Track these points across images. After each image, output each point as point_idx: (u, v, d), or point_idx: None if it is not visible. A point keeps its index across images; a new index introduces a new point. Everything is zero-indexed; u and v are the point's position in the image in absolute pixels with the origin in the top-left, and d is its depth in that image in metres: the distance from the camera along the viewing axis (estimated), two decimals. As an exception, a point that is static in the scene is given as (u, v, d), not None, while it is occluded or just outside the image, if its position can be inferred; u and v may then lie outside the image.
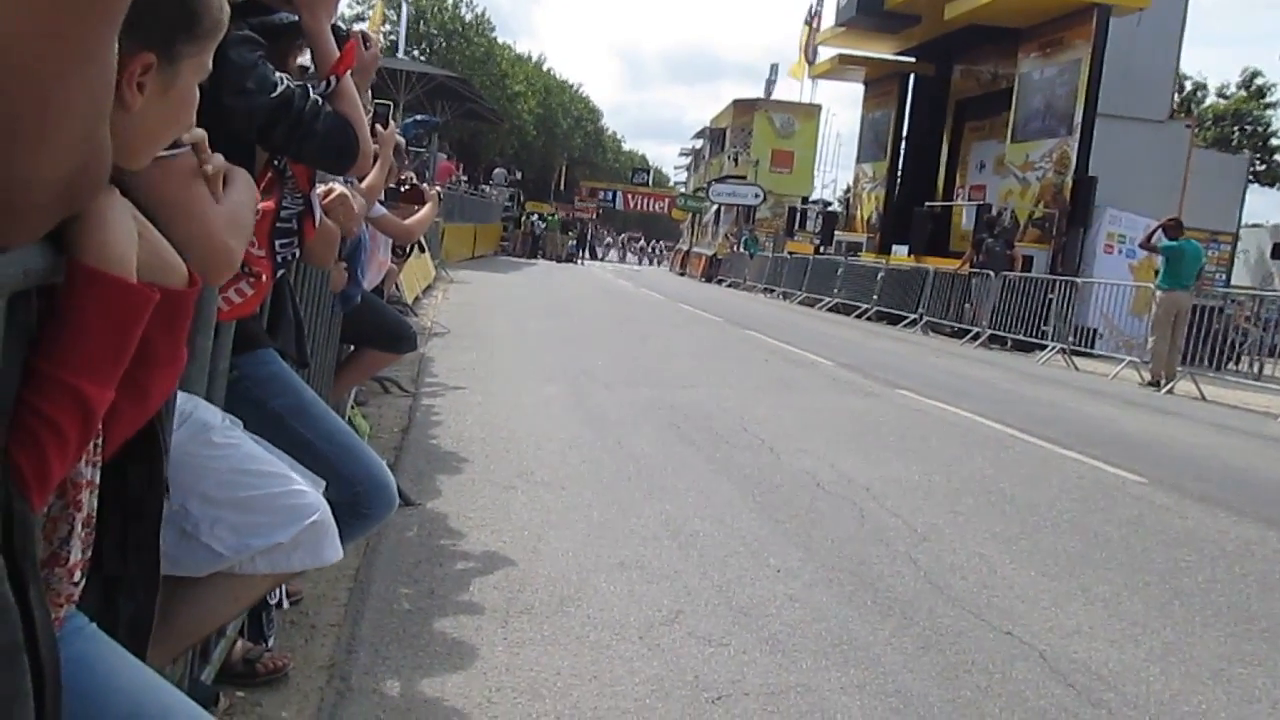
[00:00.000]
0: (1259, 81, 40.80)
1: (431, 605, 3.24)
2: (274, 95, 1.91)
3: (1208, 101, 42.02)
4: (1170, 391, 11.94)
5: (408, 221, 4.77)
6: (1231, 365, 13.60)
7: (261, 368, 2.15)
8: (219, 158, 1.37)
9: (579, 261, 41.87)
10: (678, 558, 3.95)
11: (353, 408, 5.24)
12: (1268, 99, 40.79)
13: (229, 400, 1.92)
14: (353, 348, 4.53)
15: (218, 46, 1.55)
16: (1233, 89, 41.98)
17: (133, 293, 1.01)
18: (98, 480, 1.13)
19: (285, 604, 2.99)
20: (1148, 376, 12.62)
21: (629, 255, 53.38)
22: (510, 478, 4.94)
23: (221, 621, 2.07)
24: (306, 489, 1.89)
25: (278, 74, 1.95)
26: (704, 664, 2.97)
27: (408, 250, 6.54)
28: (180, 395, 1.78)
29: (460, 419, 6.22)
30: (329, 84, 2.10)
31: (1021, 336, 15.65)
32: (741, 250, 33.76)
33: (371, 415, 5.95)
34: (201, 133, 1.30)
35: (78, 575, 1.13)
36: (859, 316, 20.60)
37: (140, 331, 1.02)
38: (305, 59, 2.30)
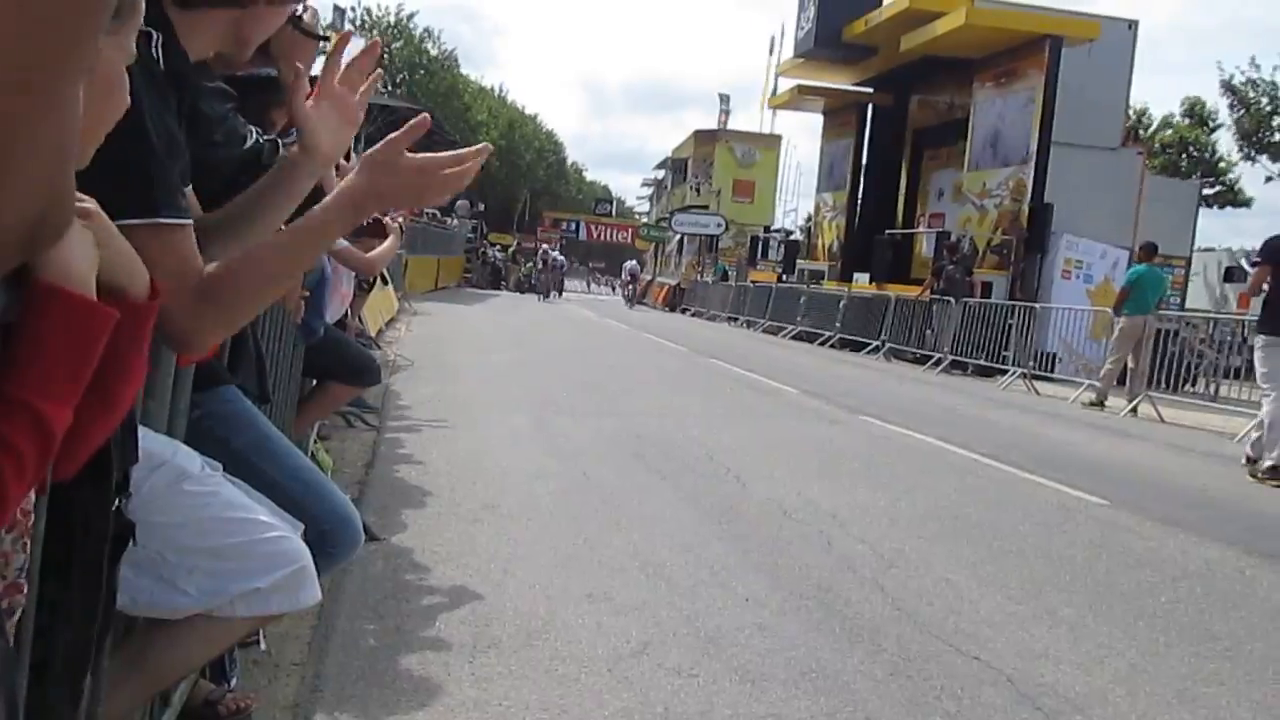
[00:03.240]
0: (1201, 109, 41.81)
1: (397, 641, 3.20)
2: (243, 149, 1.90)
3: (1153, 128, 42.96)
4: (1133, 413, 12.11)
5: (370, 254, 4.75)
6: (1188, 387, 13.82)
7: (224, 405, 2.13)
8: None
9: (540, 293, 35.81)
10: (645, 588, 3.93)
11: (316, 442, 5.19)
12: (1212, 124, 41.79)
13: (192, 440, 1.90)
14: (316, 382, 4.50)
15: (189, 98, 1.55)
16: (1177, 117, 42.99)
17: (93, 310, 0.99)
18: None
19: (262, 644, 2.95)
20: (1093, 396, 12.80)
21: (593, 285, 52.62)
22: (476, 510, 4.90)
23: (198, 664, 2.04)
24: (287, 534, 1.87)
25: (248, 127, 1.94)
26: (673, 695, 2.96)
27: (370, 283, 6.51)
28: (160, 439, 1.76)
29: (425, 452, 6.18)
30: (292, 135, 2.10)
31: (982, 362, 15.82)
32: (707, 278, 34.04)
33: (335, 449, 5.89)
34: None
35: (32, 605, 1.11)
36: (822, 344, 20.74)
37: (99, 350, 1.00)
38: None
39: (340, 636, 3.19)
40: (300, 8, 2.17)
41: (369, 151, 1.51)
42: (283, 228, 1.65)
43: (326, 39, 2.24)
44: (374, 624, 3.33)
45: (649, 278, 44.36)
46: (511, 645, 3.24)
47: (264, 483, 1.99)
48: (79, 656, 1.25)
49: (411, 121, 1.52)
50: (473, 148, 1.56)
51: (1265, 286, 8.33)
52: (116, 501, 1.44)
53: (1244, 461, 8.29)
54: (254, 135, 1.93)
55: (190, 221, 1.43)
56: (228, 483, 1.87)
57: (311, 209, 1.52)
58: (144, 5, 1.17)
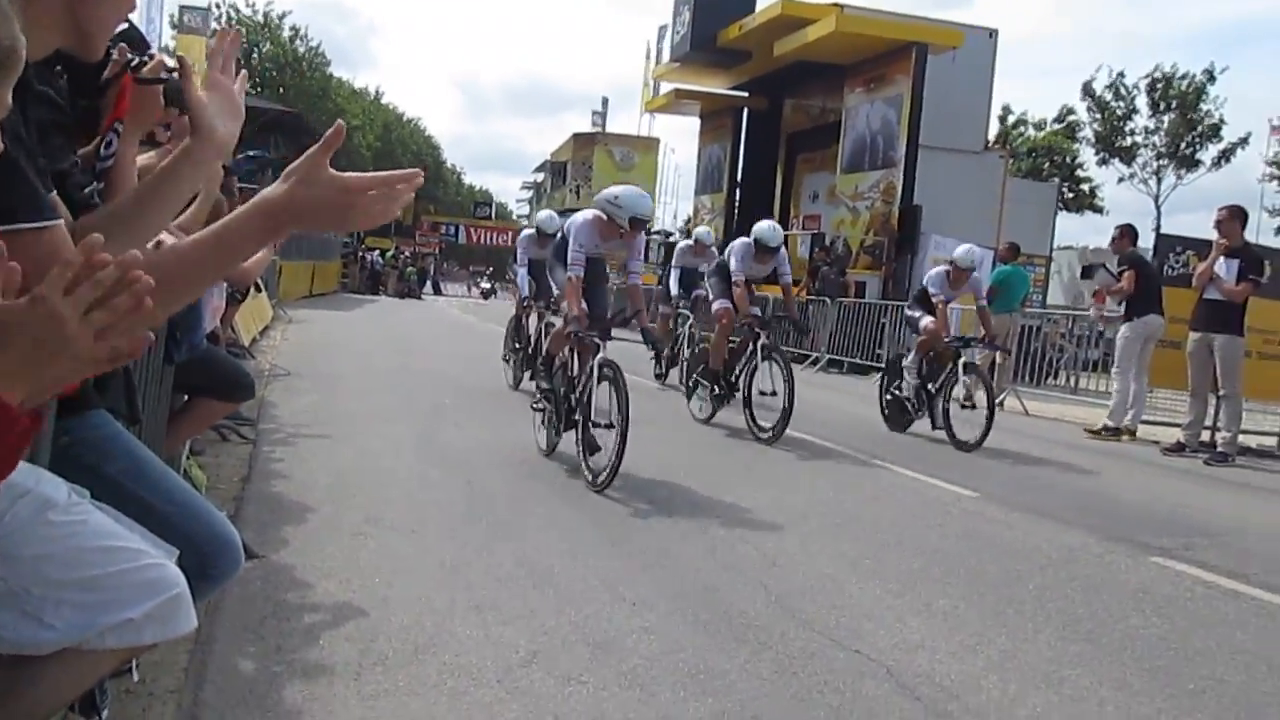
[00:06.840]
0: (1071, 119, 43.88)
1: (279, 663, 3.12)
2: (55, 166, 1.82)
3: (1027, 132, 44.90)
4: (1000, 406, 12.58)
5: (243, 264, 4.63)
6: (1051, 380, 14.45)
7: (93, 431, 2.04)
8: None
9: (422, 296, 40.87)
10: (533, 597, 3.92)
11: (188, 458, 5.02)
12: (1076, 133, 43.89)
13: (62, 468, 1.81)
14: (186, 397, 4.35)
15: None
16: (1049, 123, 44.98)
17: (15, 422, 0.98)
18: None
19: (135, 673, 2.84)
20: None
21: (473, 289, 52.54)
22: (359, 524, 4.82)
23: (66, 700, 1.95)
24: (160, 560, 1.79)
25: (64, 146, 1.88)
26: (563, 704, 2.97)
27: (243, 293, 6.32)
28: (23, 468, 1.67)
29: (304, 465, 6.04)
30: (109, 143, 2.03)
31: (858, 360, 16.25)
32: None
33: (209, 465, 5.71)
34: None
35: None
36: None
37: (18, 459, 0.99)
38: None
39: (218, 661, 3.10)
40: (135, 59, 2.11)
41: (290, 165, 1.46)
42: (185, 239, 1.59)
43: (164, 82, 2.16)
44: (254, 646, 3.25)
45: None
46: (398, 661, 3.20)
47: (138, 508, 1.92)
48: None
49: (327, 134, 1.48)
50: (403, 171, 1.51)
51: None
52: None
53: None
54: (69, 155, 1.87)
55: (57, 222, 1.43)
56: (96, 510, 1.79)
57: (224, 221, 1.47)
58: (21, 60, 1.13)
